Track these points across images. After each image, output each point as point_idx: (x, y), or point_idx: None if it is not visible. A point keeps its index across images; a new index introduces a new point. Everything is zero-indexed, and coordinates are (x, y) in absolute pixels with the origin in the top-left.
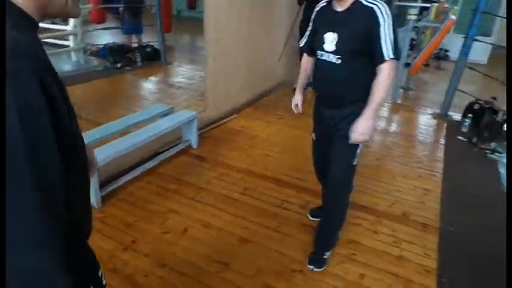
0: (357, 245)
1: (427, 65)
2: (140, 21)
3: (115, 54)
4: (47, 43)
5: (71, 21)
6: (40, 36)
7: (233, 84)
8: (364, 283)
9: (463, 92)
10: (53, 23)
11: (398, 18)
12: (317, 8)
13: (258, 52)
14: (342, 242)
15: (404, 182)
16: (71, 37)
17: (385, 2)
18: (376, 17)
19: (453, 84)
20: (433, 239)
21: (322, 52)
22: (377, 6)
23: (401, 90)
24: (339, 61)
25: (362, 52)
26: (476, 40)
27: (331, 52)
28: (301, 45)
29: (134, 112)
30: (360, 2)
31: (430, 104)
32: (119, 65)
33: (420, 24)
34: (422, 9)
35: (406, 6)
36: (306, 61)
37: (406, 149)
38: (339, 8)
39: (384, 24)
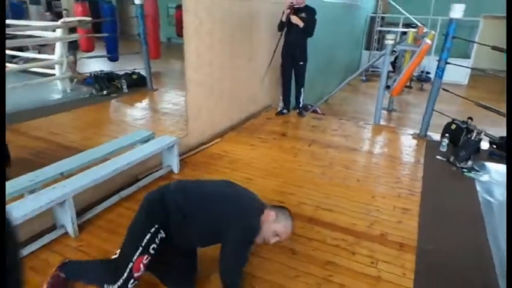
0: (334, 266)
1: (410, 87)
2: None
3: (101, 81)
4: (32, 72)
5: (57, 50)
6: (26, 65)
7: (216, 109)
8: None
9: (439, 112)
10: (39, 53)
11: (379, 43)
12: None
13: (241, 77)
14: (318, 263)
15: (383, 202)
16: (56, 66)
17: None
18: None
19: (430, 105)
20: (410, 259)
21: None
22: None
23: (384, 112)
24: None
25: None
26: (449, 63)
27: None
28: None
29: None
30: None
31: (412, 125)
32: (104, 92)
33: (398, 48)
34: (402, 34)
35: (385, 31)
36: None
37: (387, 170)
38: None
39: None
